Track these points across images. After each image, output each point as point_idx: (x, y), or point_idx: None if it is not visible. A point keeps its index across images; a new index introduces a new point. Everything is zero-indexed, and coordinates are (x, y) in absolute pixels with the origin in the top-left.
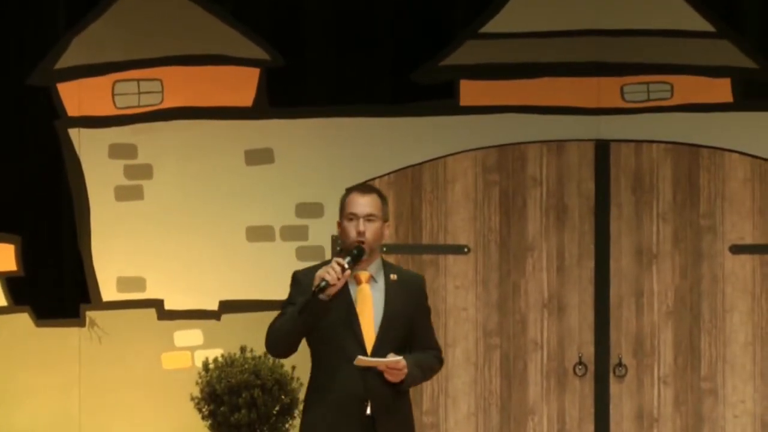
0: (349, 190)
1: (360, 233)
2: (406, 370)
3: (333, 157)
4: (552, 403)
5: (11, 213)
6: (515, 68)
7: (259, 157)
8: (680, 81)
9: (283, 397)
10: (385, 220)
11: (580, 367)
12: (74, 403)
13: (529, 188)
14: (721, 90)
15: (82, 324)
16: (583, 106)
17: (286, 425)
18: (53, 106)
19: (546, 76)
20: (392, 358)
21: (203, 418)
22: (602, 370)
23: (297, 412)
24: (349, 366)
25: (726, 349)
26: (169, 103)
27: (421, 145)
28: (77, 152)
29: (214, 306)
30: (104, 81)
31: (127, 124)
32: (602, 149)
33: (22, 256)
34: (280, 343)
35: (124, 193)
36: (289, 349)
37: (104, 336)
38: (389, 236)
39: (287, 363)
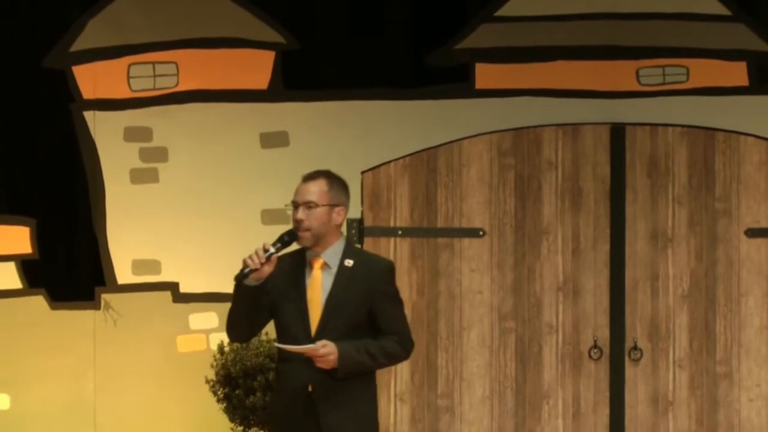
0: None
1: (297, 221)
2: (332, 357)
3: (348, 140)
4: (567, 387)
5: (26, 196)
6: (530, 51)
7: (274, 140)
8: (696, 64)
9: None
10: (335, 205)
11: (595, 350)
12: (89, 385)
13: (544, 172)
14: (736, 73)
15: (97, 307)
16: (598, 89)
17: None
18: (68, 89)
19: (561, 60)
20: (309, 345)
21: (218, 401)
22: (617, 354)
23: None
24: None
25: (741, 333)
26: (184, 86)
27: (436, 129)
28: (92, 135)
29: (229, 289)
30: (120, 64)
31: (142, 107)
32: (617, 133)
33: (37, 239)
34: (231, 327)
35: (140, 176)
36: (243, 334)
37: (119, 319)
38: (409, 220)
39: None
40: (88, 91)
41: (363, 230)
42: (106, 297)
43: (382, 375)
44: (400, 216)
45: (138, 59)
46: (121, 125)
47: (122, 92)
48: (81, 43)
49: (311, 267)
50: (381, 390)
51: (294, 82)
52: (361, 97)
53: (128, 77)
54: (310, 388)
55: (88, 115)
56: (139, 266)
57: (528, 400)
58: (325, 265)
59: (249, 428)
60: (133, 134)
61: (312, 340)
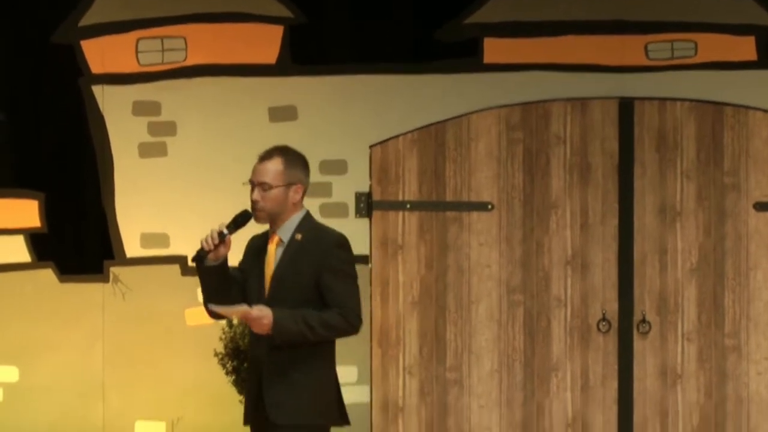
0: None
1: (253, 202)
2: (266, 322)
3: (356, 115)
4: (575, 360)
5: (35, 170)
6: (539, 26)
7: (282, 114)
8: (704, 39)
9: None
10: (291, 183)
11: (603, 323)
12: (98, 358)
13: (553, 146)
14: (745, 48)
15: (105, 280)
16: (607, 64)
17: None
18: (77, 64)
19: (570, 34)
20: (241, 307)
21: (227, 373)
22: (626, 327)
23: None
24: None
25: (750, 306)
26: (192, 61)
27: (444, 103)
28: (101, 109)
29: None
30: (128, 38)
31: (150, 82)
32: (626, 107)
33: (46, 213)
34: (205, 303)
35: (148, 150)
36: (213, 309)
37: (128, 292)
38: (417, 193)
39: None
40: (96, 66)
41: (371, 204)
42: (114, 270)
43: (390, 348)
44: (409, 190)
45: (146, 33)
46: (130, 99)
47: (131, 66)
48: (89, 18)
49: (270, 243)
50: (390, 363)
51: (302, 56)
52: (370, 72)
53: (137, 51)
54: (261, 356)
55: (97, 90)
56: (147, 240)
57: (536, 373)
58: (280, 241)
59: None
60: (141, 108)
61: None
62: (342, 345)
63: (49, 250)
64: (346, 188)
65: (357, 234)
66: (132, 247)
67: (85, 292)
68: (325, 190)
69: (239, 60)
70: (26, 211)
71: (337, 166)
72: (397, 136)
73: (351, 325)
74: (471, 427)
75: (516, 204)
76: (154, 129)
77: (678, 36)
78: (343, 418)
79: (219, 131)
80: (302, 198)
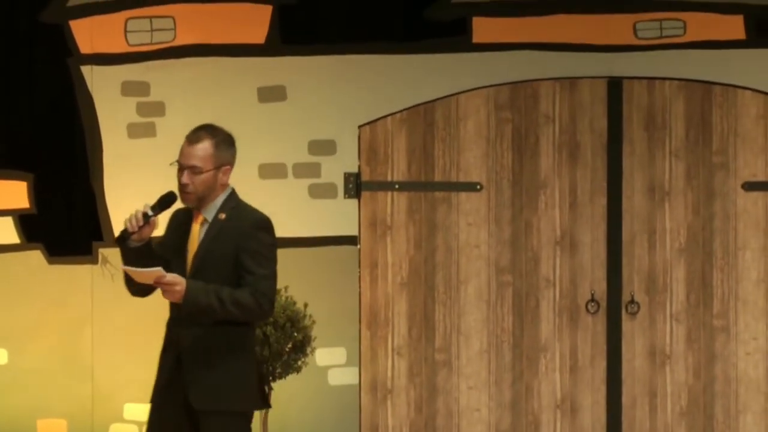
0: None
1: (182, 185)
2: (178, 288)
3: (345, 95)
4: (564, 341)
5: (24, 151)
6: (528, 5)
7: (271, 94)
8: (693, 18)
9: (295, 334)
10: (219, 166)
11: (592, 304)
12: (86, 340)
13: (542, 125)
14: (734, 27)
15: (94, 261)
16: (595, 43)
17: (299, 362)
18: (66, 44)
19: (559, 13)
20: (155, 269)
21: None
22: (614, 307)
23: (309, 349)
24: (176, 304)
25: (738, 286)
26: (181, 41)
27: (433, 82)
28: (90, 90)
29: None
30: (117, 18)
31: (139, 62)
32: (615, 86)
33: (35, 194)
34: (128, 284)
35: (137, 131)
36: (140, 290)
37: (117, 273)
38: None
39: (299, 300)
40: (85, 46)
41: (360, 184)
42: (103, 252)
43: (379, 329)
44: (398, 170)
45: (135, 13)
46: (119, 80)
47: (119, 47)
48: None
49: (195, 222)
50: (378, 344)
51: (291, 36)
52: (359, 51)
53: (125, 31)
54: (180, 334)
55: (86, 70)
56: None
57: (525, 353)
58: (204, 220)
59: None
60: (130, 89)
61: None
62: (330, 326)
63: (38, 231)
64: (335, 169)
65: (346, 215)
66: (121, 229)
67: (74, 273)
68: (314, 170)
69: (228, 40)
70: (15, 193)
71: (326, 147)
72: (386, 116)
73: (261, 307)
74: (460, 408)
75: (505, 184)
76: (142, 109)
77: (667, 15)
78: (264, 402)
79: (207, 112)
80: (229, 178)
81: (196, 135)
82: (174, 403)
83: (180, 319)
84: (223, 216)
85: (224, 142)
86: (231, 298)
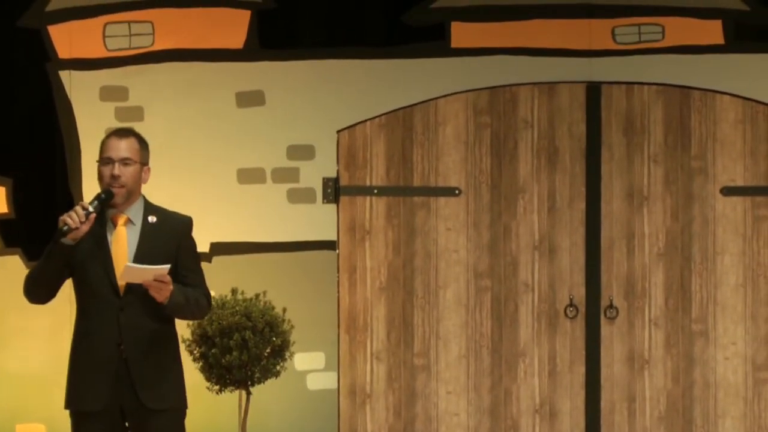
0: (108, 134)
1: (114, 177)
2: (171, 287)
3: (324, 100)
4: (543, 345)
5: (2, 155)
6: (506, 10)
7: (250, 99)
8: (671, 23)
9: (274, 338)
10: (144, 163)
11: (571, 309)
12: (65, 344)
13: (521, 130)
14: (712, 32)
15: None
16: (574, 48)
17: (278, 366)
18: (44, 49)
19: (537, 18)
20: (162, 266)
21: (194, 360)
22: (593, 312)
23: (288, 354)
24: (104, 309)
25: (717, 291)
26: (160, 45)
27: (412, 87)
28: (68, 94)
29: (205, 248)
30: (95, 23)
31: (118, 67)
32: (593, 91)
33: (14, 199)
34: (35, 287)
35: None
36: (47, 295)
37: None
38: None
39: (278, 305)
40: (63, 51)
41: (339, 189)
42: None
43: (358, 334)
44: (376, 175)
45: (113, 18)
46: (97, 85)
47: (98, 52)
48: (56, 3)
49: (114, 224)
50: (357, 349)
51: (270, 41)
52: (337, 56)
53: (104, 36)
54: (122, 346)
55: (64, 75)
56: None
57: (504, 358)
58: (129, 222)
59: (225, 387)
60: (108, 94)
61: (119, 296)
62: (309, 331)
63: (16, 235)
64: (313, 173)
65: (324, 219)
66: (59, 227)
67: None
68: (293, 175)
69: (207, 45)
70: None
71: (304, 152)
72: (364, 121)
73: (209, 306)
74: (439, 413)
75: (483, 188)
76: (121, 114)
77: (645, 20)
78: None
79: (186, 116)
80: (148, 178)
81: (122, 131)
82: (119, 405)
83: (120, 316)
84: (153, 218)
85: (145, 143)
86: (194, 297)
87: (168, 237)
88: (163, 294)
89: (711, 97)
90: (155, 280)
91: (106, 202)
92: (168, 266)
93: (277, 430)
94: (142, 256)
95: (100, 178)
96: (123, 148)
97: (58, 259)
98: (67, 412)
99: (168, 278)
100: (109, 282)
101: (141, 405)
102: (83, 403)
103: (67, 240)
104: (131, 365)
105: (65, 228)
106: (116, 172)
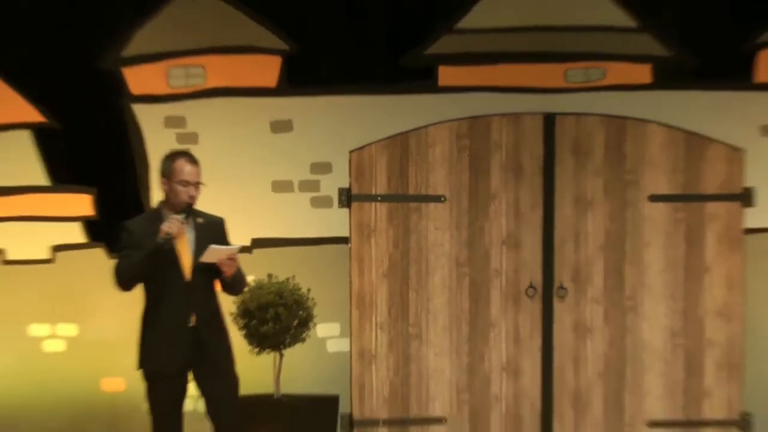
0: (175, 157)
1: (192, 197)
2: (237, 264)
3: (339, 126)
4: (509, 319)
5: (89, 171)
6: (482, 56)
7: (281, 126)
8: (611, 66)
9: (300, 312)
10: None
11: (530, 290)
12: (134, 317)
13: (492, 151)
14: (643, 73)
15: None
16: (535, 86)
17: (303, 334)
18: (119, 86)
19: (506, 63)
20: (236, 246)
21: (239, 329)
22: (548, 293)
23: (311, 324)
24: (175, 291)
25: (644, 275)
26: (210, 84)
27: (407, 118)
28: (139, 123)
29: (247, 242)
30: (160, 66)
31: (177, 101)
32: (549, 120)
33: (98, 204)
34: (133, 280)
35: None
36: (137, 284)
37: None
38: (383, 187)
39: (303, 287)
40: (135, 88)
41: (351, 197)
42: None
43: (365, 309)
44: (380, 185)
45: (174, 63)
46: (162, 115)
47: (162, 89)
48: (130, 50)
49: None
50: (365, 321)
51: (296, 80)
52: (349, 93)
53: (167, 77)
54: (192, 319)
55: (136, 107)
56: None
57: (479, 329)
58: (188, 223)
59: (263, 350)
60: (170, 122)
61: (185, 280)
62: (327, 307)
63: (100, 233)
64: (331, 184)
65: (339, 221)
66: (163, 236)
67: None
68: (315, 186)
69: (247, 83)
70: (82, 203)
71: (324, 167)
72: (370, 144)
73: (246, 284)
74: (429, 371)
75: (463, 197)
76: (180, 138)
77: (591, 64)
78: None
79: (231, 140)
80: None
81: (192, 157)
82: (181, 369)
83: (188, 295)
84: (201, 220)
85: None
86: (240, 274)
87: (213, 233)
88: (231, 269)
89: (641, 125)
90: (228, 258)
91: (189, 215)
92: (239, 246)
93: (303, 384)
94: (198, 249)
95: (176, 194)
96: (196, 173)
97: (157, 258)
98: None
99: (237, 257)
100: (177, 268)
101: (205, 363)
102: (159, 365)
103: (168, 243)
104: (198, 333)
105: (168, 236)
106: (193, 193)
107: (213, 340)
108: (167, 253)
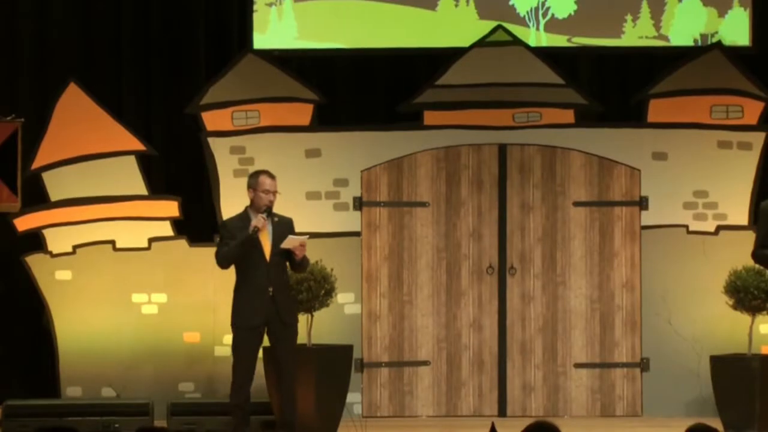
0: (259, 173)
1: (271, 202)
2: (305, 249)
3: (353, 153)
4: (475, 290)
5: (176, 184)
6: (455, 104)
7: (312, 153)
8: (546, 111)
9: (326, 285)
10: None
11: (489, 269)
12: (210, 290)
13: (462, 171)
14: (568, 116)
15: (213, 244)
16: (492, 125)
17: (328, 301)
18: (198, 124)
19: (472, 109)
20: (304, 237)
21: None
22: (502, 271)
23: (333, 293)
24: (259, 268)
25: (570, 259)
26: (263, 123)
27: (402, 147)
28: (212, 151)
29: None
30: (227, 111)
31: (240, 135)
32: (502, 149)
33: (182, 208)
34: (229, 261)
35: (238, 173)
36: (232, 264)
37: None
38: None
39: (327, 266)
40: (210, 126)
41: (362, 203)
42: (216, 238)
43: (372, 283)
44: (382, 195)
45: (237, 108)
46: (228, 145)
47: (228, 126)
48: (206, 99)
49: (265, 223)
50: (372, 291)
51: (323, 120)
52: (361, 129)
53: (232, 118)
54: (270, 289)
55: (210, 140)
56: None
57: (453, 297)
58: (265, 221)
59: (300, 312)
60: (234, 150)
61: (266, 261)
62: (345, 281)
63: (183, 228)
64: (348, 194)
65: (354, 220)
66: (252, 229)
67: (203, 253)
68: (336, 195)
69: (288, 122)
70: (171, 208)
71: (343, 182)
72: (375, 165)
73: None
74: (417, 327)
75: (442, 202)
76: (241, 162)
77: (531, 110)
78: None
79: (278, 163)
80: None
81: (272, 174)
82: (261, 325)
83: (269, 271)
84: (276, 219)
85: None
86: (305, 258)
87: (285, 229)
88: (302, 253)
89: (567, 153)
90: (300, 245)
91: (270, 214)
92: (308, 236)
93: (328, 337)
94: (276, 240)
95: (260, 199)
96: (274, 185)
97: (249, 245)
98: (220, 327)
99: (306, 243)
100: (261, 254)
101: (280, 320)
102: (247, 321)
103: (255, 234)
104: (274, 299)
105: (256, 229)
106: (272, 198)
107: (284, 304)
108: (254, 241)
